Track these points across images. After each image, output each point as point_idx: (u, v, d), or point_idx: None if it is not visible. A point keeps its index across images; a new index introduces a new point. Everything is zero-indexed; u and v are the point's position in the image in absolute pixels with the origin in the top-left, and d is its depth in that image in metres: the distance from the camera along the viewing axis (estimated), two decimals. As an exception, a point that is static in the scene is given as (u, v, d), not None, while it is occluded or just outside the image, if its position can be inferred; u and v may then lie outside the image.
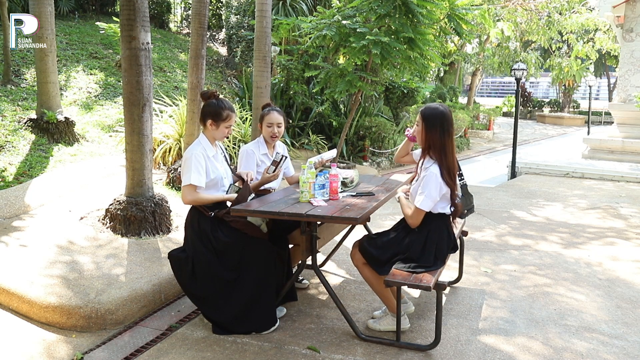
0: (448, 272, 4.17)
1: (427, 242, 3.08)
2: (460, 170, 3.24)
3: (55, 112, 6.91)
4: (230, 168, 3.49)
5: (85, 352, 3.06)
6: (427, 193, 2.96)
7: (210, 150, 3.27)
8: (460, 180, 3.23)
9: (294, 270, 3.61)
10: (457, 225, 3.76)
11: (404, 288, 3.64)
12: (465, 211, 3.30)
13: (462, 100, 25.48)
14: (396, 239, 3.14)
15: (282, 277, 3.38)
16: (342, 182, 3.64)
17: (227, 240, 3.18)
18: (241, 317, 3.19)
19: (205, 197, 3.19)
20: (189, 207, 3.33)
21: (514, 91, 11.36)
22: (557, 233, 5.56)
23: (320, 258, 4.21)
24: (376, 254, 3.10)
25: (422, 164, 3.11)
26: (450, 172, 3.00)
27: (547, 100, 33.04)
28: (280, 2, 11.85)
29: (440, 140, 2.99)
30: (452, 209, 3.11)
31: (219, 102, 3.27)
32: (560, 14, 18.44)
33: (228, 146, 7.39)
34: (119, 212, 4.41)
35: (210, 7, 13.06)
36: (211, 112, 3.25)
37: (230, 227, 3.22)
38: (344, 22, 7.06)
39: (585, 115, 26.44)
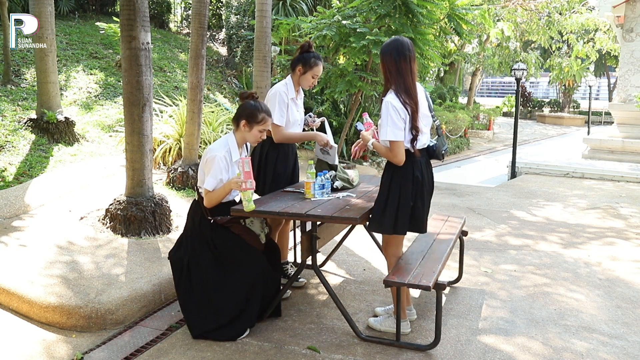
0: (448, 272, 4.17)
1: (391, 183, 2.99)
2: (432, 111, 3.14)
3: (55, 112, 6.90)
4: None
5: (85, 352, 3.06)
6: (390, 122, 2.86)
7: (235, 154, 3.20)
8: (434, 121, 3.15)
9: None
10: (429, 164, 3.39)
11: (410, 292, 3.62)
12: (443, 152, 3.17)
13: (462, 100, 25.47)
14: (378, 198, 3.07)
15: (272, 288, 3.34)
16: (341, 180, 3.63)
17: (224, 242, 3.18)
18: (224, 325, 3.14)
19: (219, 196, 3.14)
20: (188, 206, 3.32)
21: (514, 91, 11.36)
22: (557, 233, 5.56)
23: (320, 258, 4.21)
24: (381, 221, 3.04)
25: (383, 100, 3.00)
26: (408, 92, 2.90)
27: (547, 100, 33.02)
28: (280, 2, 11.85)
29: (395, 63, 2.91)
30: (412, 140, 2.93)
31: (256, 103, 3.21)
32: (560, 14, 18.44)
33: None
34: (119, 212, 4.41)
35: (210, 7, 13.06)
36: (247, 112, 3.18)
37: (229, 231, 3.22)
38: (344, 22, 7.06)
39: (585, 115, 26.42)
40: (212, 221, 3.20)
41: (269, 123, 3.25)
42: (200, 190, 3.25)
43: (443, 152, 3.16)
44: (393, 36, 3.06)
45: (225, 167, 3.15)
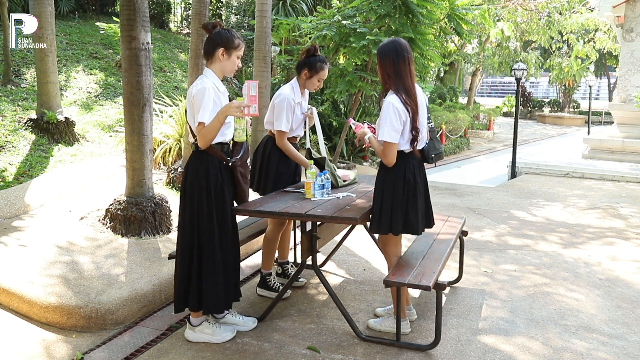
0: (448, 272, 4.17)
1: (384, 184, 2.99)
2: (429, 113, 3.13)
3: (56, 112, 6.91)
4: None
5: (85, 352, 3.06)
6: (388, 123, 2.85)
7: (220, 85, 3.04)
8: (428, 123, 3.12)
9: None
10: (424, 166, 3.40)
11: (410, 292, 3.63)
12: (433, 155, 3.15)
13: (462, 100, 25.48)
14: (374, 200, 3.07)
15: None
16: (337, 179, 3.66)
17: (225, 200, 3.02)
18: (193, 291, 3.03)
19: (214, 128, 2.90)
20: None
21: (514, 91, 11.37)
22: (557, 233, 5.56)
23: (320, 258, 4.21)
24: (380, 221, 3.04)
25: (383, 101, 2.99)
26: (408, 93, 2.90)
27: (547, 100, 33.06)
28: (280, 2, 11.86)
29: (393, 65, 2.91)
30: (412, 141, 2.93)
31: (230, 30, 3.07)
32: (560, 14, 18.46)
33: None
34: (119, 212, 4.41)
35: (210, 7, 13.06)
36: (223, 40, 2.98)
37: (229, 188, 3.06)
38: (344, 22, 7.05)
39: (585, 115, 26.44)
40: (230, 164, 3.01)
41: (242, 49, 3.09)
42: (194, 140, 3.02)
43: (433, 155, 3.14)
44: (390, 37, 3.05)
45: (216, 97, 2.97)
